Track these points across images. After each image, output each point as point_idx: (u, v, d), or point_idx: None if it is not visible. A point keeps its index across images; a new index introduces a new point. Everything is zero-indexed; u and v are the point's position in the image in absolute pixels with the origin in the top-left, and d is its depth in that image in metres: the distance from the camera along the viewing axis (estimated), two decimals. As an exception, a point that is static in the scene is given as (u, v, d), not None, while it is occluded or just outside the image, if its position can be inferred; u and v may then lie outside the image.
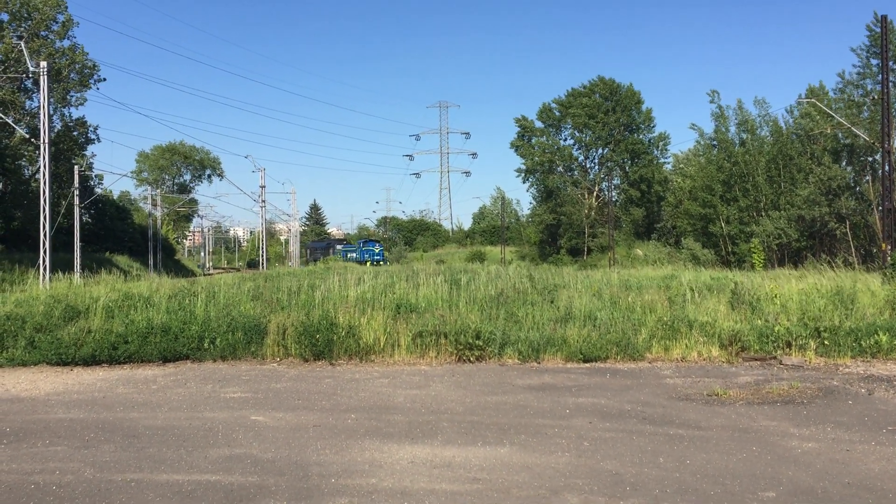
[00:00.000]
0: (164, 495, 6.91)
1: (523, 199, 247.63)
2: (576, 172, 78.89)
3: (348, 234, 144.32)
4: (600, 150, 77.55)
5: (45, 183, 31.77)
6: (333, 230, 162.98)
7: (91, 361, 14.70)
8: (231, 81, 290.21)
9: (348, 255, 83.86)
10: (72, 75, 49.48)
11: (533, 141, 79.80)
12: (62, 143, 50.35)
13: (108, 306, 16.85)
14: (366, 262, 71.89)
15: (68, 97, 50.44)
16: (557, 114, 78.29)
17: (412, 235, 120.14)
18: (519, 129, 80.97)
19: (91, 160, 57.52)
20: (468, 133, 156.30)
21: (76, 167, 49.66)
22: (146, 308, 16.87)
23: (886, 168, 31.83)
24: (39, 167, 37.57)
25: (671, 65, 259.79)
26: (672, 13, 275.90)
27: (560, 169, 78.46)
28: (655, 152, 76.31)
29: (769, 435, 8.87)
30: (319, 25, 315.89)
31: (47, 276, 29.65)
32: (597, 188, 76.79)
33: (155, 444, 8.72)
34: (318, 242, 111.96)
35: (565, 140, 79.37)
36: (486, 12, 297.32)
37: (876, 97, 38.40)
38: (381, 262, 74.49)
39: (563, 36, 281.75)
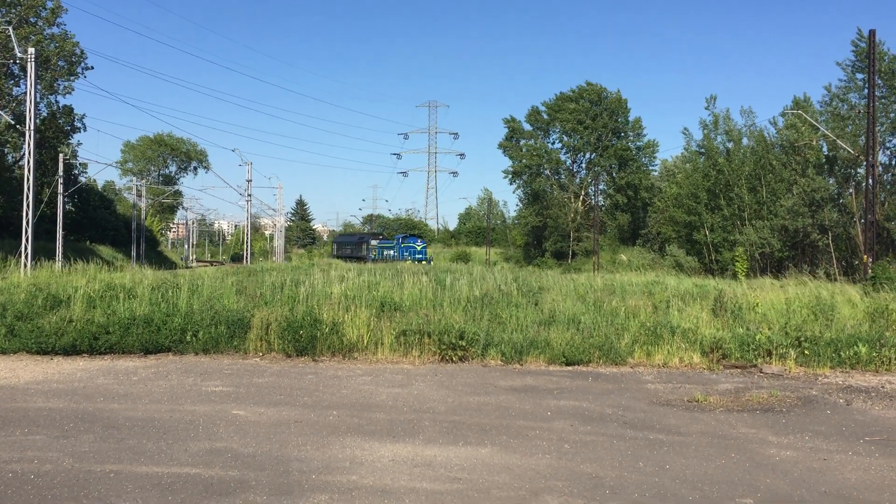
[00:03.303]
0: (143, 487, 6.88)
1: (510, 200, 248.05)
2: (563, 176, 79.09)
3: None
4: (588, 155, 77.84)
5: (29, 170, 31.48)
6: (318, 226, 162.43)
7: (71, 351, 14.61)
8: (220, 74, 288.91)
9: (384, 253, 69.91)
10: (60, 63, 49.02)
11: (521, 143, 79.95)
12: (47, 131, 49.85)
13: (90, 296, 16.75)
14: (405, 260, 57.51)
15: (55, 85, 49.96)
16: (546, 117, 78.49)
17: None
18: (508, 129, 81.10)
19: (76, 149, 57.01)
20: (456, 134, 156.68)
21: (61, 155, 49.25)
22: (129, 299, 16.78)
23: (870, 181, 32.13)
24: (24, 154, 37.22)
25: (663, 71, 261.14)
26: (664, 19, 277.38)
27: (547, 172, 78.65)
28: (644, 160, 76.73)
29: (748, 442, 8.94)
30: (310, 21, 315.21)
31: (29, 264, 29.39)
32: (583, 192, 77.00)
33: (135, 435, 8.68)
34: (347, 236, 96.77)
35: (553, 143, 79.66)
36: (477, 15, 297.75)
37: (861, 110, 38.77)
38: (425, 262, 57.81)
39: (554, 40, 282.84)
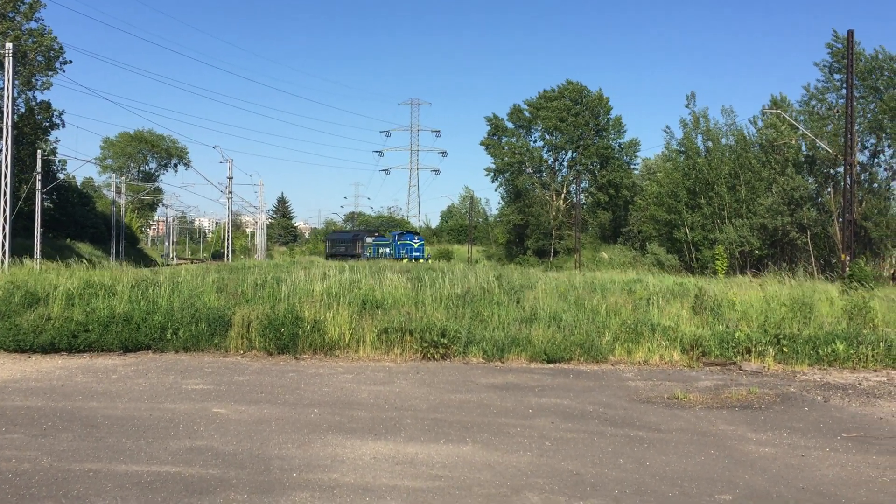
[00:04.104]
0: (122, 486, 6.83)
1: (492, 198, 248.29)
2: (545, 174, 79.33)
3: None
4: (570, 153, 78.18)
5: (6, 167, 31.18)
6: (300, 224, 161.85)
7: (50, 349, 14.48)
8: (202, 71, 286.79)
9: (379, 251, 67.06)
10: (38, 58, 48.55)
11: (503, 141, 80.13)
12: (25, 127, 49.42)
13: (69, 293, 16.58)
14: (402, 259, 57.99)
15: (33, 80, 49.48)
16: (528, 115, 78.72)
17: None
18: (490, 127, 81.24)
19: (55, 145, 56.58)
20: (439, 131, 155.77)
21: (39, 151, 48.77)
22: (108, 296, 16.63)
23: (848, 181, 32.47)
24: (1, 150, 36.82)
25: (645, 69, 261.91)
26: (647, 18, 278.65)
27: (529, 170, 78.86)
28: (625, 158, 77.20)
29: (727, 439, 9.02)
30: (294, 20, 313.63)
31: (6, 261, 29.09)
32: (565, 190, 77.29)
33: (114, 434, 8.62)
34: (342, 234, 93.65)
35: (535, 142, 79.93)
36: (460, 13, 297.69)
37: (839, 110, 39.15)
38: (422, 260, 58.74)
39: (537, 39, 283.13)
